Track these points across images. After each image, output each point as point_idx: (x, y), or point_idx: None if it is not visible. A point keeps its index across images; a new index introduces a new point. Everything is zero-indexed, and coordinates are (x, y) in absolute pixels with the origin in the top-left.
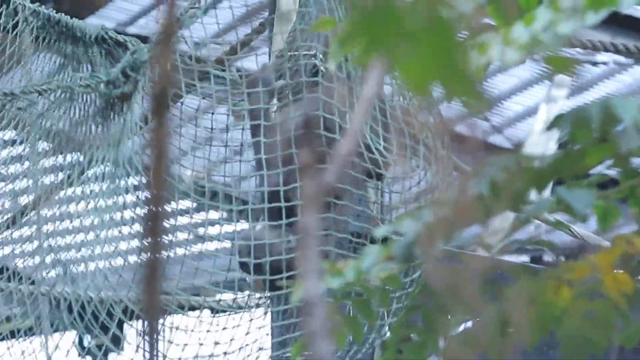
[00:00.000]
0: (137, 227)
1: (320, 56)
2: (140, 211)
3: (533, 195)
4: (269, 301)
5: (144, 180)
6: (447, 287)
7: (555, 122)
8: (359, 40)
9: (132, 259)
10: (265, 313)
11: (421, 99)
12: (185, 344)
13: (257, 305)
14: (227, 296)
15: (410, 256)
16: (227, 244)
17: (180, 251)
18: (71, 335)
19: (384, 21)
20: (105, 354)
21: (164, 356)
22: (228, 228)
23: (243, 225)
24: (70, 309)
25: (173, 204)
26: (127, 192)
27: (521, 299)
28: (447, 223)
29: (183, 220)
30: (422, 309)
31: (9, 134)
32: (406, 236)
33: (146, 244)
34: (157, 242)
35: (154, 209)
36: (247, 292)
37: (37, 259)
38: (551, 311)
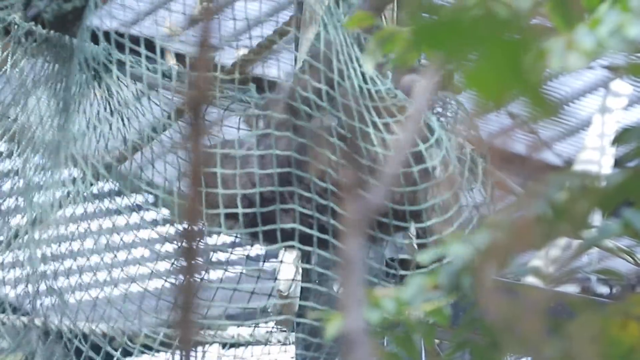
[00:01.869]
0: (141, 251)
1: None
2: (169, 233)
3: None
4: (291, 335)
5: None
6: (502, 320)
7: (622, 137)
8: (421, 45)
9: (136, 287)
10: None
11: (475, 112)
12: None
13: (278, 341)
14: (243, 330)
15: (459, 286)
16: (239, 270)
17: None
18: None
19: (450, 28)
20: None
21: None
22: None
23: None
24: (66, 343)
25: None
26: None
27: (584, 335)
28: (501, 248)
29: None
30: (471, 345)
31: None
32: (455, 262)
33: (181, 267)
34: (192, 265)
35: (189, 230)
36: (267, 326)
37: (30, 287)
38: (617, 349)
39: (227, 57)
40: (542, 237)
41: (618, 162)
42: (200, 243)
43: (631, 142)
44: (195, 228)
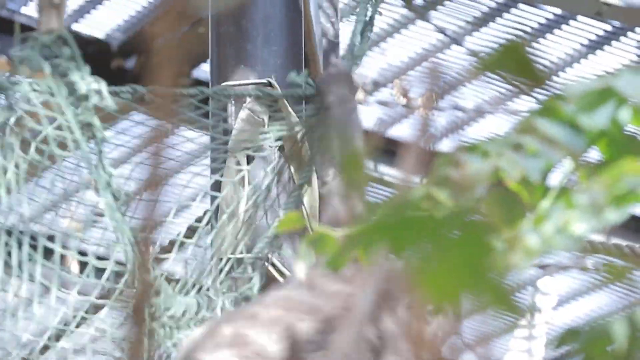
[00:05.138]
0: None
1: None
2: None
3: None
4: None
5: None
6: None
7: (566, 338)
8: (377, 244)
9: None
10: None
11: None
12: None
13: None
14: None
15: None
16: None
17: None
18: None
19: (389, 230)
20: None
21: None
22: None
23: None
24: None
25: None
26: None
27: None
28: None
29: None
30: None
31: None
32: None
33: None
34: None
35: None
36: None
37: None
38: None
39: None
40: None
41: None
42: None
43: (574, 344)
44: None
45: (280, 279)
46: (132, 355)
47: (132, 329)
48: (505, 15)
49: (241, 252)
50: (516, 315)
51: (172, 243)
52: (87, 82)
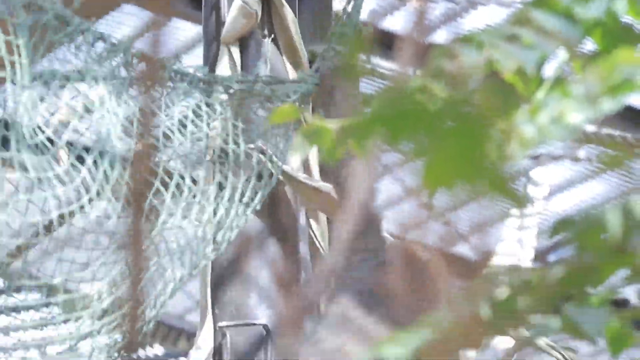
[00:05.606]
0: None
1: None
2: None
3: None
4: None
5: None
6: None
7: (560, 228)
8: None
9: None
10: None
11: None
12: None
13: None
14: None
15: None
16: None
17: None
18: None
19: (401, 117)
20: None
21: None
22: None
23: None
24: None
25: None
26: None
27: None
28: (440, 348)
29: None
30: None
31: None
32: None
33: None
34: None
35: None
36: None
37: None
38: None
39: None
40: (481, 335)
41: (537, 255)
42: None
43: (567, 232)
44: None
45: (292, 185)
46: (131, 245)
47: (130, 218)
48: None
49: (235, 144)
50: (514, 202)
51: (165, 135)
52: None
